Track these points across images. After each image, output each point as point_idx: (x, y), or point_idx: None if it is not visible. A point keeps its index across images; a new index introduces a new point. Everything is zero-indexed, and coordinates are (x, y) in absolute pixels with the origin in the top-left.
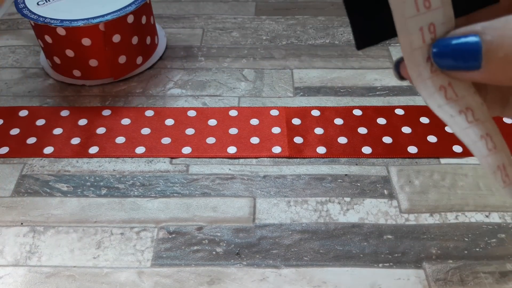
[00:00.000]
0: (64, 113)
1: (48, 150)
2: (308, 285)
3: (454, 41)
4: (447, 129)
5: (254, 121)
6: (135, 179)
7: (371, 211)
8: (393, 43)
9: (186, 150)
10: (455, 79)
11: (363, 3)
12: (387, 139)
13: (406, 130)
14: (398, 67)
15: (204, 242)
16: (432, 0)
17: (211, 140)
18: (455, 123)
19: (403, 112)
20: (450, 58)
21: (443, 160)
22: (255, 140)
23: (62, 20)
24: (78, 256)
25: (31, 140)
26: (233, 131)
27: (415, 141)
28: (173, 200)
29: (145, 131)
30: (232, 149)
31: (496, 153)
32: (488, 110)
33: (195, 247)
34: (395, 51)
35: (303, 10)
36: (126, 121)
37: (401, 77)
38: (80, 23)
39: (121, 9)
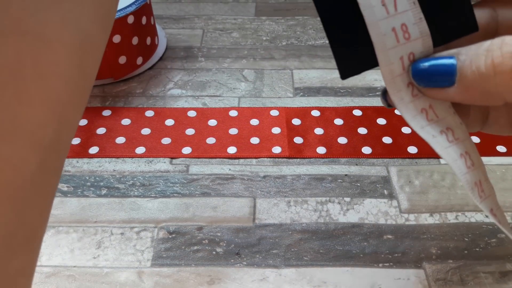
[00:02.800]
0: None
1: None
2: (308, 285)
3: (432, 61)
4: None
5: (254, 121)
6: (135, 179)
7: (371, 211)
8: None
9: (186, 150)
10: (434, 101)
11: (345, 36)
12: (387, 139)
13: (406, 130)
14: (385, 95)
15: (204, 242)
16: (411, 32)
17: (211, 140)
18: (437, 142)
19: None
20: (428, 76)
21: (443, 160)
22: (255, 140)
23: None
24: (78, 256)
25: None
26: (233, 131)
27: (415, 141)
28: (173, 200)
29: (145, 131)
30: (232, 149)
31: (474, 170)
32: (469, 127)
33: (195, 247)
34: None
35: (303, 11)
36: (126, 121)
37: (389, 105)
38: None
39: (121, 9)
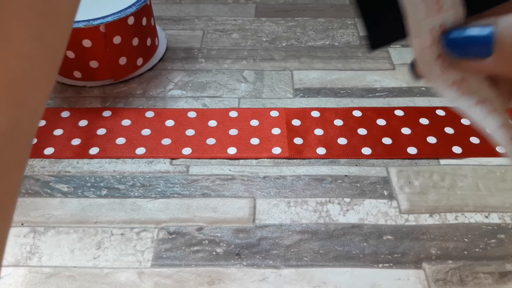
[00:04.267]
0: (65, 114)
1: (49, 151)
2: (308, 285)
3: (467, 30)
4: (447, 130)
5: (254, 122)
6: (135, 179)
7: (371, 211)
8: (392, 45)
9: (186, 151)
10: (467, 74)
11: (375, 5)
12: (386, 140)
13: (406, 131)
14: (414, 67)
15: (204, 242)
16: (443, 2)
17: (211, 141)
18: (473, 114)
19: (402, 113)
20: (462, 46)
21: (442, 161)
22: (255, 141)
23: None
24: (78, 257)
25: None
26: (233, 132)
27: (414, 142)
28: (173, 200)
29: (146, 132)
30: (232, 150)
31: None
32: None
33: (195, 248)
34: (395, 53)
35: (303, 12)
36: (126, 122)
37: (417, 76)
38: (80, 25)
39: (121, 10)
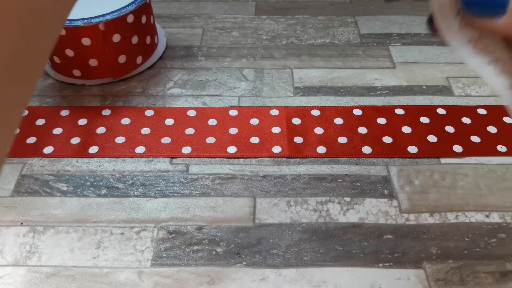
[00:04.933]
0: (64, 112)
1: (48, 149)
2: (308, 285)
3: None
4: (447, 129)
5: (254, 121)
6: (135, 179)
7: (371, 211)
8: (392, 43)
9: (186, 150)
10: (483, 33)
11: None
12: (387, 139)
13: (406, 130)
14: (431, 22)
15: (204, 242)
16: None
17: (211, 140)
18: (484, 72)
19: (403, 112)
20: (478, 3)
21: (443, 160)
22: (255, 140)
23: None
24: (78, 256)
25: (31, 140)
26: (233, 130)
27: (415, 141)
28: (173, 199)
29: (145, 130)
30: (232, 149)
31: None
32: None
33: (195, 247)
34: (395, 51)
35: (303, 10)
36: (126, 121)
37: (433, 32)
38: (80, 23)
39: (121, 8)
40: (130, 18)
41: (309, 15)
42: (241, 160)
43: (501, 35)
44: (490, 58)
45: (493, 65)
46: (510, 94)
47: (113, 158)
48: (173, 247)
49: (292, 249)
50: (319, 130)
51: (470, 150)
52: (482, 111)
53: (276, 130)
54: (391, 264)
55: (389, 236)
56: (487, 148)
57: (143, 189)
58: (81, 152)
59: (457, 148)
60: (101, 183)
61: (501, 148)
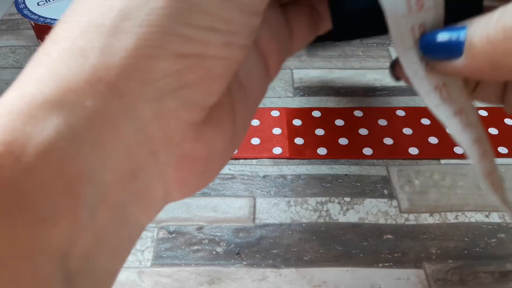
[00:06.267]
0: None
1: None
2: (308, 285)
3: (442, 31)
4: (449, 130)
5: (255, 122)
6: None
7: (371, 211)
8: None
9: None
10: (448, 80)
11: None
12: (388, 140)
13: (407, 131)
14: (393, 68)
15: (204, 242)
16: (425, 1)
17: None
18: (452, 125)
19: (404, 113)
20: (436, 46)
21: (443, 160)
22: (255, 141)
23: None
24: None
25: None
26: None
27: (416, 142)
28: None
29: None
30: None
31: (486, 159)
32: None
33: (195, 247)
34: (395, 52)
35: None
36: None
37: (397, 78)
38: None
39: None
40: None
41: None
42: (241, 160)
43: (461, 76)
44: (454, 110)
45: (458, 117)
46: (475, 150)
47: None
48: (173, 247)
49: (292, 249)
50: (320, 132)
51: None
52: (483, 113)
53: (276, 131)
54: (391, 264)
55: (389, 236)
56: None
57: None
58: None
59: (458, 150)
60: None
61: (502, 149)
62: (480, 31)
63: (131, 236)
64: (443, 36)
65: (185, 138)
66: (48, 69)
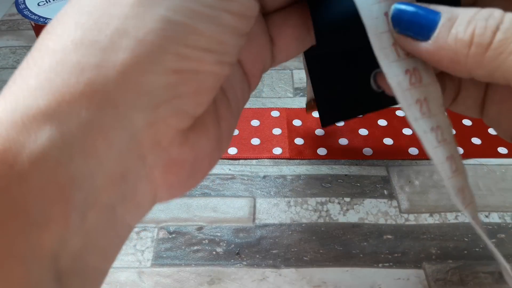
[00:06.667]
0: None
1: None
2: (308, 285)
3: (417, 9)
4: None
5: (255, 122)
6: None
7: (371, 211)
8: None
9: None
10: (429, 95)
11: (330, 87)
12: (388, 141)
13: (407, 131)
14: (375, 77)
15: (204, 242)
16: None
17: None
18: (427, 140)
19: (404, 114)
20: (407, 22)
21: None
22: (255, 141)
23: None
24: None
25: None
26: (234, 132)
27: (416, 142)
28: (173, 200)
29: None
30: (233, 150)
31: (458, 176)
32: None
33: (195, 247)
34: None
35: None
36: None
37: (378, 87)
38: None
39: None
40: None
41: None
42: (241, 160)
43: (419, 57)
44: (432, 125)
45: (434, 133)
46: (447, 167)
47: None
48: (173, 247)
49: (292, 249)
50: (320, 132)
51: (471, 152)
52: None
53: (277, 131)
54: (391, 264)
55: (389, 236)
56: (488, 150)
57: None
58: None
59: (458, 150)
60: None
61: (502, 150)
62: (451, 25)
63: (120, 236)
64: (415, 16)
65: (172, 143)
66: (41, 80)
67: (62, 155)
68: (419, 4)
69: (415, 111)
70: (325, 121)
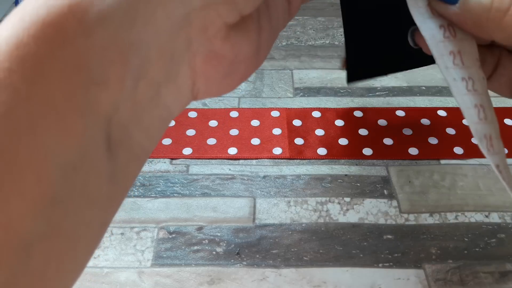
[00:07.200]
0: None
1: None
2: (308, 285)
3: None
4: (448, 130)
5: (255, 122)
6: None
7: (371, 211)
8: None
9: (187, 151)
10: (464, 48)
11: (366, 34)
12: (388, 141)
13: (407, 131)
14: (413, 35)
15: (204, 242)
16: None
17: (211, 141)
18: (456, 87)
19: (404, 114)
20: None
21: (443, 161)
22: (255, 141)
23: None
24: None
25: None
26: (234, 132)
27: (416, 142)
28: (173, 200)
29: None
30: (232, 150)
31: (486, 124)
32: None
33: (195, 247)
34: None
35: (303, 11)
36: None
37: (415, 44)
38: None
39: None
40: None
41: (309, 16)
42: (241, 160)
43: (449, 19)
44: (463, 75)
45: (465, 82)
46: (473, 113)
47: None
48: (173, 247)
49: (292, 249)
50: (319, 132)
51: (471, 152)
52: None
53: (277, 131)
54: (391, 264)
55: (389, 236)
56: None
57: (143, 190)
58: None
59: (458, 150)
60: None
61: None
62: None
63: (161, 117)
64: None
65: (216, 35)
66: None
67: (126, 18)
68: None
69: (447, 60)
70: (351, 77)
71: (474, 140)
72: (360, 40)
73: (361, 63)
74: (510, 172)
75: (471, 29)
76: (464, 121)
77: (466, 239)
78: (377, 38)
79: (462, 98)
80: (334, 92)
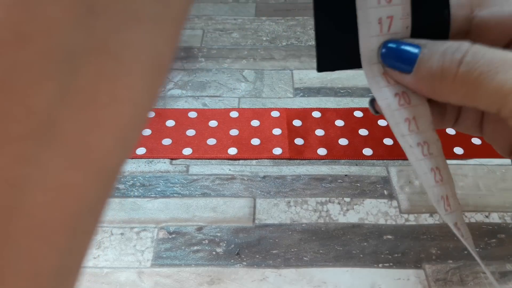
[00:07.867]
0: None
1: None
2: (308, 285)
3: (401, 44)
4: (448, 131)
5: (255, 123)
6: (135, 179)
7: (371, 211)
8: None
9: (187, 151)
10: (418, 114)
11: (334, 30)
12: (388, 141)
13: None
14: (373, 103)
15: (204, 242)
16: (394, 24)
17: (211, 141)
18: (412, 153)
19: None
20: (393, 57)
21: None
22: (255, 141)
23: None
24: None
25: None
26: (234, 132)
27: None
28: (173, 200)
29: (146, 132)
30: (232, 150)
31: (442, 185)
32: (444, 123)
33: (195, 247)
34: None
35: (303, 11)
36: None
37: (376, 112)
38: None
39: None
40: None
41: (309, 16)
42: (241, 161)
43: (406, 86)
44: (419, 141)
45: (420, 147)
46: (430, 177)
47: None
48: (173, 247)
49: (292, 249)
50: (319, 132)
51: (471, 152)
52: None
53: (277, 131)
54: (391, 264)
55: (389, 237)
56: (488, 150)
57: (143, 190)
58: None
59: (458, 150)
60: None
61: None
62: (428, 59)
63: None
64: (399, 51)
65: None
66: None
67: None
68: (405, 40)
69: (403, 128)
70: (321, 66)
71: (474, 141)
72: (332, 25)
73: (333, 52)
74: (467, 228)
75: (427, 95)
76: None
77: None
78: (348, 28)
79: (419, 163)
80: (334, 92)
